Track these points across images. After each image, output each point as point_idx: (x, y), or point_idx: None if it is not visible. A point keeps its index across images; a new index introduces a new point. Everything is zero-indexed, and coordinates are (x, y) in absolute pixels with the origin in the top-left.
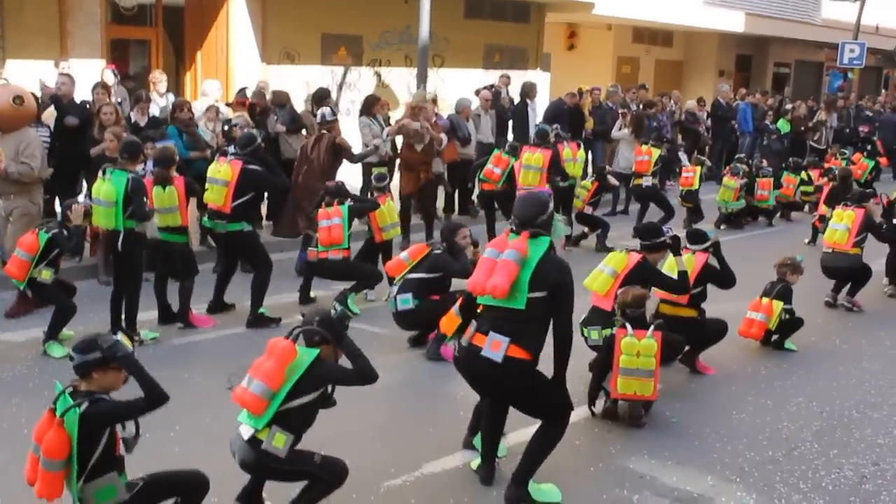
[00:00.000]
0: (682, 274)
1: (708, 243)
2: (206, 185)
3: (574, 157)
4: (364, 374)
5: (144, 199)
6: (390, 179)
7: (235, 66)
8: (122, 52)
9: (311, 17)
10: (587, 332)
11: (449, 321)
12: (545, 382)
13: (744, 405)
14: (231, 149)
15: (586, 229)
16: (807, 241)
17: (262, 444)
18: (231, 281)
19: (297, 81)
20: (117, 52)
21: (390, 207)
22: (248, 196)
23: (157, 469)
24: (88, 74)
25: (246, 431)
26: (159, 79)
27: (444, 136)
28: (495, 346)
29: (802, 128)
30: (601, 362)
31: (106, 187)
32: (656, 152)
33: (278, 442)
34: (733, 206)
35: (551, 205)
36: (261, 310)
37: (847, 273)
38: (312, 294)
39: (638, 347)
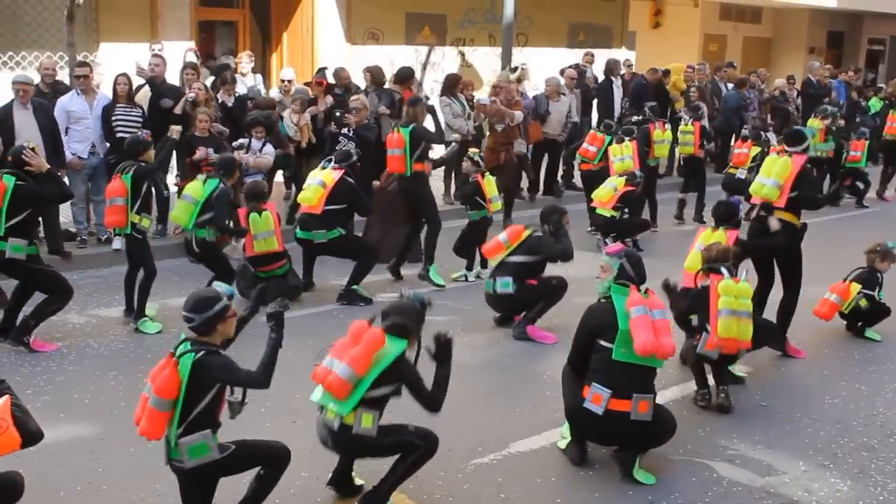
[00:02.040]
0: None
1: (806, 143)
2: (304, 185)
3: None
4: (435, 402)
5: (226, 214)
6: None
7: (320, 46)
8: (209, 34)
9: None
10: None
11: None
12: (666, 415)
13: (836, 390)
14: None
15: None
16: None
17: (352, 429)
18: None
19: (382, 61)
20: (205, 34)
21: (489, 181)
22: (339, 206)
23: None
24: (178, 56)
25: (332, 420)
26: (245, 59)
27: (519, 114)
28: (643, 408)
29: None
30: (694, 310)
31: (195, 186)
32: (755, 150)
33: (367, 422)
34: (821, 147)
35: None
36: (355, 287)
37: None
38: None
39: (736, 290)
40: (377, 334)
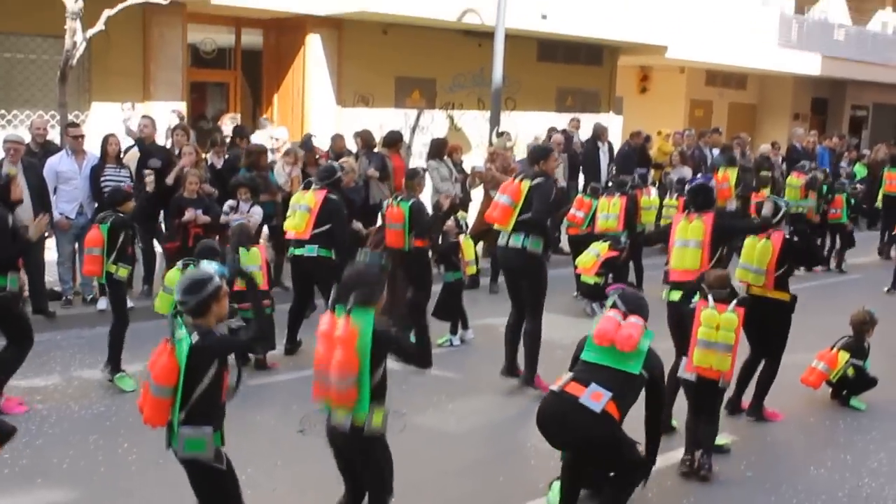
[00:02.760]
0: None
1: (780, 216)
2: (289, 213)
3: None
4: (424, 358)
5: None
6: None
7: (311, 108)
8: (200, 95)
9: (386, 61)
10: None
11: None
12: (629, 441)
13: (822, 460)
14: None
15: None
16: (886, 288)
17: (363, 429)
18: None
19: (372, 124)
20: (196, 95)
21: (468, 244)
22: (326, 226)
23: None
24: (170, 117)
25: (343, 421)
26: (227, 121)
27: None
28: (596, 398)
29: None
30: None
31: (175, 276)
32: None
33: (377, 421)
34: (802, 203)
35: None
36: None
37: None
38: None
39: (718, 320)
40: (348, 332)
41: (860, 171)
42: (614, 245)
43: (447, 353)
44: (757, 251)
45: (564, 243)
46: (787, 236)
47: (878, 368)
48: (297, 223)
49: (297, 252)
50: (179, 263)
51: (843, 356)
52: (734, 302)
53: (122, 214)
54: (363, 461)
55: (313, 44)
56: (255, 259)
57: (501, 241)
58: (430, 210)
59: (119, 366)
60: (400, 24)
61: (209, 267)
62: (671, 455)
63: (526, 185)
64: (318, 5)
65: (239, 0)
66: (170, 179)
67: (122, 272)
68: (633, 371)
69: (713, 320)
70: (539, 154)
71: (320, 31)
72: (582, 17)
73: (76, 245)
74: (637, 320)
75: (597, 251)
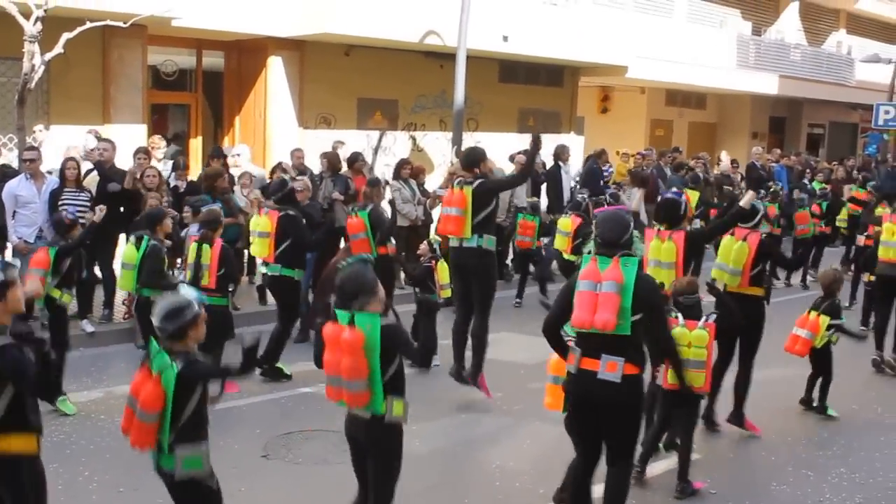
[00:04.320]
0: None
1: (757, 218)
2: (251, 239)
3: None
4: (426, 358)
5: (159, 267)
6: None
7: (273, 130)
8: (161, 116)
9: (348, 82)
10: None
11: (554, 395)
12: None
13: (784, 476)
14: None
15: None
16: (846, 304)
17: (384, 418)
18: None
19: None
20: (157, 116)
21: (443, 267)
22: (287, 242)
23: None
24: (130, 139)
25: (364, 412)
26: (158, 144)
27: None
28: (611, 368)
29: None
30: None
31: (130, 251)
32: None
33: (398, 410)
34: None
35: (632, 224)
36: (278, 365)
37: None
38: None
39: (689, 338)
40: (353, 335)
41: (818, 187)
42: (576, 210)
43: (410, 374)
44: (734, 252)
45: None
46: (763, 238)
47: (842, 385)
48: (260, 250)
49: (265, 271)
50: (132, 238)
51: (824, 320)
52: (704, 318)
53: (68, 241)
54: (377, 453)
55: (275, 65)
56: (206, 258)
57: (454, 242)
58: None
59: (60, 387)
60: (362, 46)
61: (188, 292)
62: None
63: (468, 190)
64: (279, 27)
65: (200, 22)
66: (127, 183)
67: (67, 298)
68: (625, 332)
69: (684, 338)
70: (473, 158)
71: (282, 52)
72: (543, 38)
73: None
74: (611, 287)
75: (565, 231)
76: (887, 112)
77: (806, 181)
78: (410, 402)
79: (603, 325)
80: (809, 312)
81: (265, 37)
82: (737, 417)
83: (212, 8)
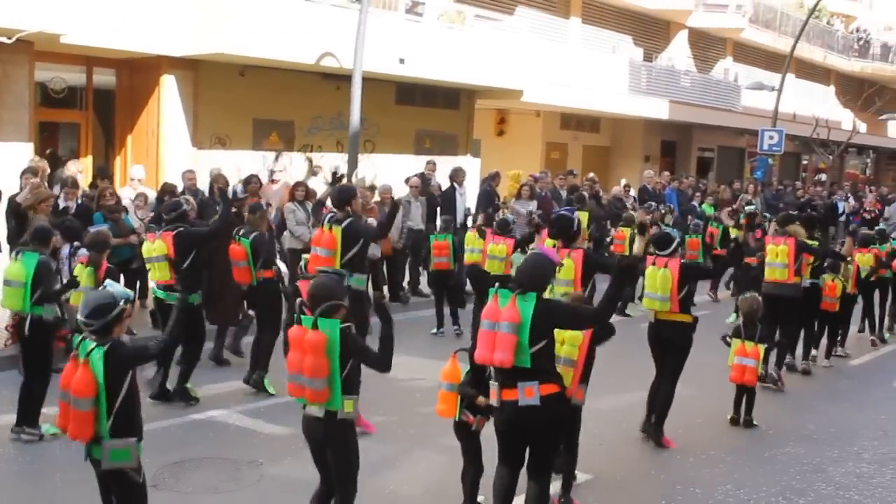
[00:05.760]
0: None
1: (674, 245)
2: (147, 266)
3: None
4: (383, 363)
5: (53, 282)
6: None
7: (166, 150)
8: (51, 134)
9: (242, 103)
10: None
11: (447, 401)
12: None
13: (673, 495)
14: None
15: None
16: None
17: (337, 414)
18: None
19: (229, 166)
20: (46, 134)
21: None
22: (189, 259)
23: None
24: (16, 158)
25: (317, 409)
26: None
27: (372, 220)
28: (528, 393)
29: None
30: None
31: (16, 268)
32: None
33: (349, 407)
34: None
35: (552, 272)
36: (187, 385)
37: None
38: None
39: (563, 335)
40: (318, 339)
41: (708, 209)
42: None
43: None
44: (658, 280)
45: (424, 285)
46: (683, 261)
47: (727, 400)
48: (161, 274)
49: (160, 296)
50: (14, 253)
51: (761, 347)
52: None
53: None
54: (334, 447)
55: (168, 84)
56: (90, 281)
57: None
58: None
59: None
60: (257, 66)
61: (113, 289)
62: None
63: (337, 230)
64: (173, 46)
65: (89, 39)
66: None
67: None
68: (524, 365)
69: (559, 335)
70: (345, 197)
71: (175, 71)
72: (439, 61)
73: None
74: (507, 323)
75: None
76: (771, 137)
77: (695, 203)
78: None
79: (500, 363)
80: (744, 343)
81: (158, 55)
82: (656, 433)
83: (102, 25)
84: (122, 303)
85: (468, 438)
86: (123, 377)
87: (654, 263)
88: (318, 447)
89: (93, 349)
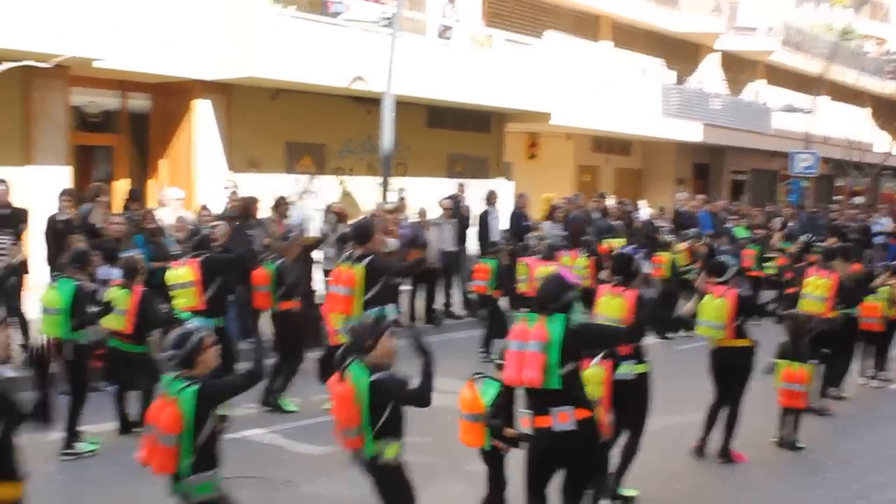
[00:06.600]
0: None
1: (728, 272)
2: (171, 294)
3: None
4: (422, 398)
5: (88, 307)
6: None
7: (199, 173)
8: (86, 159)
9: (275, 126)
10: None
11: (472, 432)
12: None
13: None
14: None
15: None
16: None
17: (377, 459)
18: None
19: (262, 190)
20: (82, 158)
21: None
22: (216, 284)
23: None
24: (55, 181)
25: (363, 453)
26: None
27: (394, 241)
28: (563, 418)
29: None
30: None
31: (52, 295)
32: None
33: (390, 453)
34: (689, 268)
35: (572, 288)
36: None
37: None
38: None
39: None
40: (343, 390)
41: (740, 232)
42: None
43: (311, 426)
44: (714, 310)
45: (456, 307)
46: (741, 294)
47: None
48: (188, 300)
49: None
50: (53, 280)
51: (810, 368)
52: (598, 357)
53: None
54: (380, 492)
55: (201, 108)
56: (125, 302)
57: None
58: None
59: None
60: (289, 90)
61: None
62: None
63: (359, 269)
64: (205, 70)
65: (124, 64)
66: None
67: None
68: (554, 387)
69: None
70: (365, 234)
71: (209, 95)
72: (469, 84)
73: None
74: (535, 342)
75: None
76: (804, 160)
77: (729, 226)
78: (329, 448)
79: (529, 382)
80: (791, 365)
81: (192, 80)
82: (725, 451)
83: (136, 50)
84: (200, 333)
85: (495, 464)
86: (210, 413)
87: (709, 292)
88: (374, 488)
89: (185, 387)
